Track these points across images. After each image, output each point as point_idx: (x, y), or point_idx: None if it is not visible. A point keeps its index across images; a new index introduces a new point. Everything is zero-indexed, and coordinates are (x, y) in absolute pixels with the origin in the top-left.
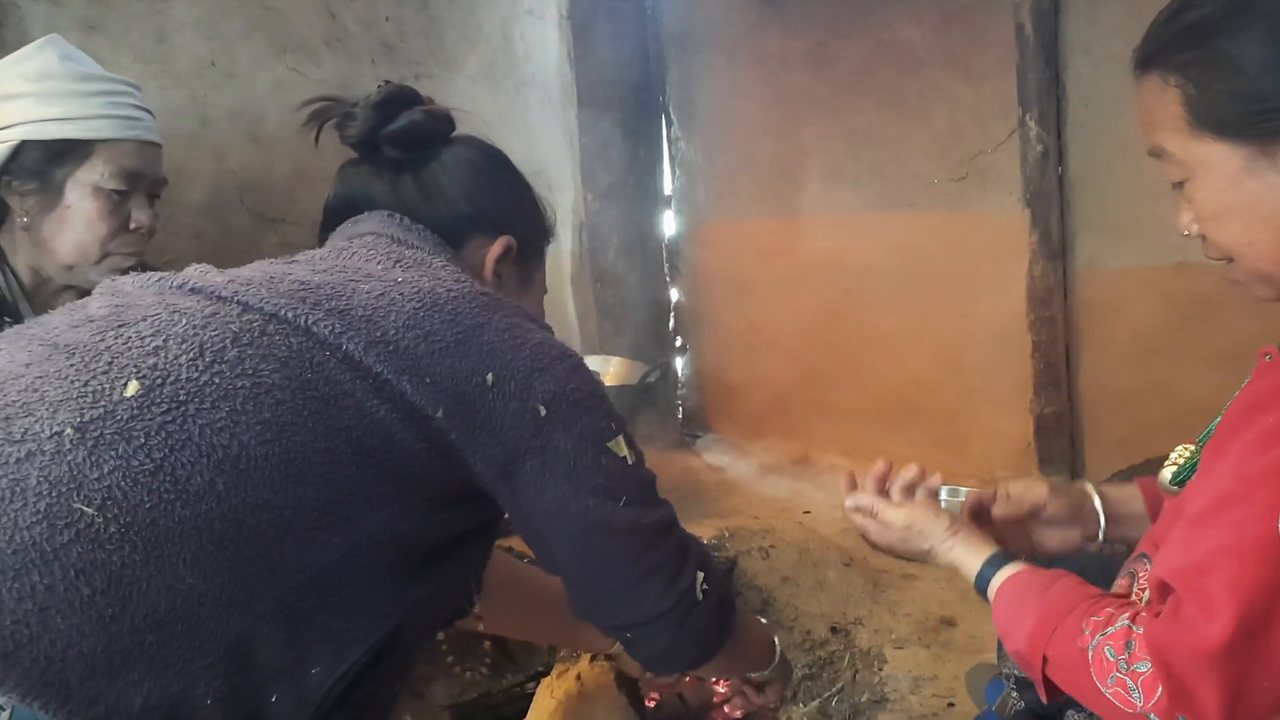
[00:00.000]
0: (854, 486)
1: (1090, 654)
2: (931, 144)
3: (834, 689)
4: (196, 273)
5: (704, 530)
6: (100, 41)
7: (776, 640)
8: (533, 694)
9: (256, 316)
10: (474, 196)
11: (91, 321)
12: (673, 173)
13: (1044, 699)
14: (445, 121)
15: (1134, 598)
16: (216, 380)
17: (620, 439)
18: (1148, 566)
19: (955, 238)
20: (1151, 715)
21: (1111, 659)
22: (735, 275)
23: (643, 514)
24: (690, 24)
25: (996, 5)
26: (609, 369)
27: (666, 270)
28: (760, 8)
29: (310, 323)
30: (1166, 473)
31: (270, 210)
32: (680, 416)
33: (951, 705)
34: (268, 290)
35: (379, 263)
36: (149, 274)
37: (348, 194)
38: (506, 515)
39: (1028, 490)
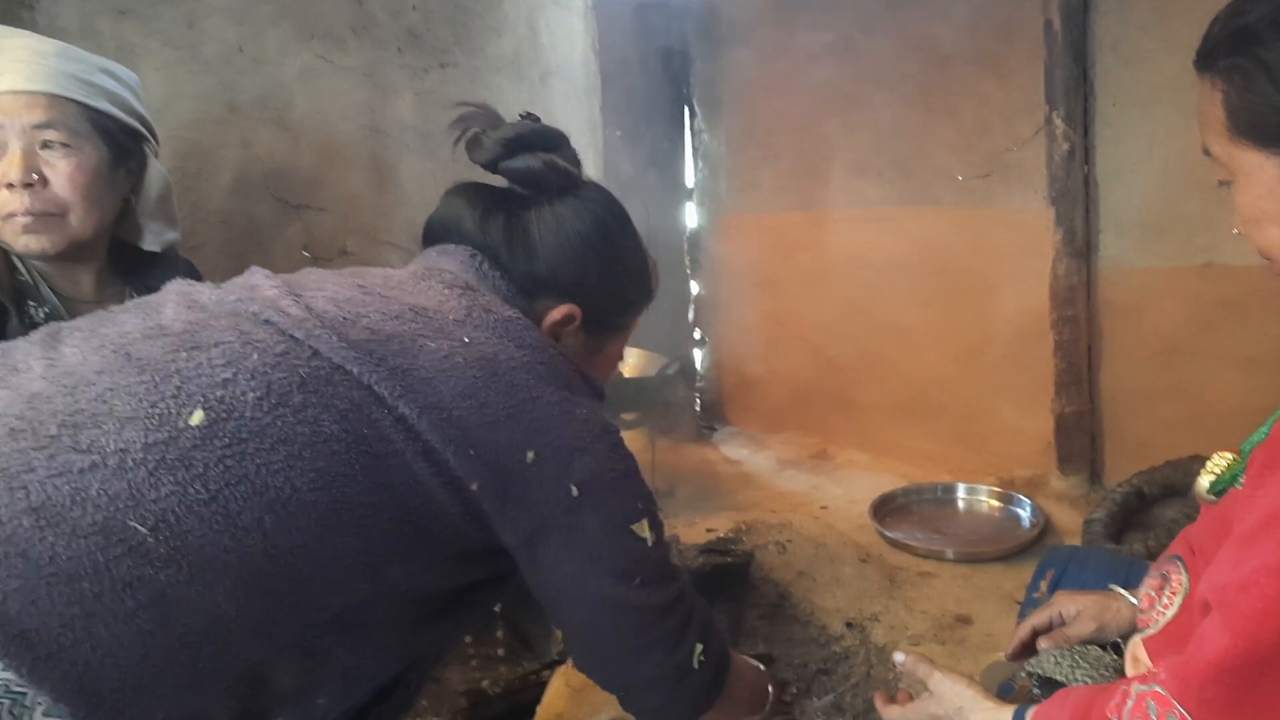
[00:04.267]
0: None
1: None
2: (957, 140)
3: (848, 684)
4: (273, 294)
5: (720, 523)
6: (130, 26)
7: (770, 688)
8: (547, 681)
9: (324, 365)
10: (554, 260)
11: (165, 335)
12: (696, 165)
13: None
14: (564, 175)
15: (1166, 600)
16: (279, 424)
17: (645, 521)
18: (1180, 567)
19: (979, 234)
20: None
21: None
22: (756, 268)
23: (654, 593)
24: (716, 16)
25: (1025, 2)
26: (628, 360)
27: (688, 262)
28: (787, 1)
29: (373, 381)
30: (1204, 481)
31: (295, 197)
32: (699, 409)
33: None
34: (339, 337)
35: (452, 312)
36: (229, 289)
37: (444, 216)
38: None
39: (1075, 626)
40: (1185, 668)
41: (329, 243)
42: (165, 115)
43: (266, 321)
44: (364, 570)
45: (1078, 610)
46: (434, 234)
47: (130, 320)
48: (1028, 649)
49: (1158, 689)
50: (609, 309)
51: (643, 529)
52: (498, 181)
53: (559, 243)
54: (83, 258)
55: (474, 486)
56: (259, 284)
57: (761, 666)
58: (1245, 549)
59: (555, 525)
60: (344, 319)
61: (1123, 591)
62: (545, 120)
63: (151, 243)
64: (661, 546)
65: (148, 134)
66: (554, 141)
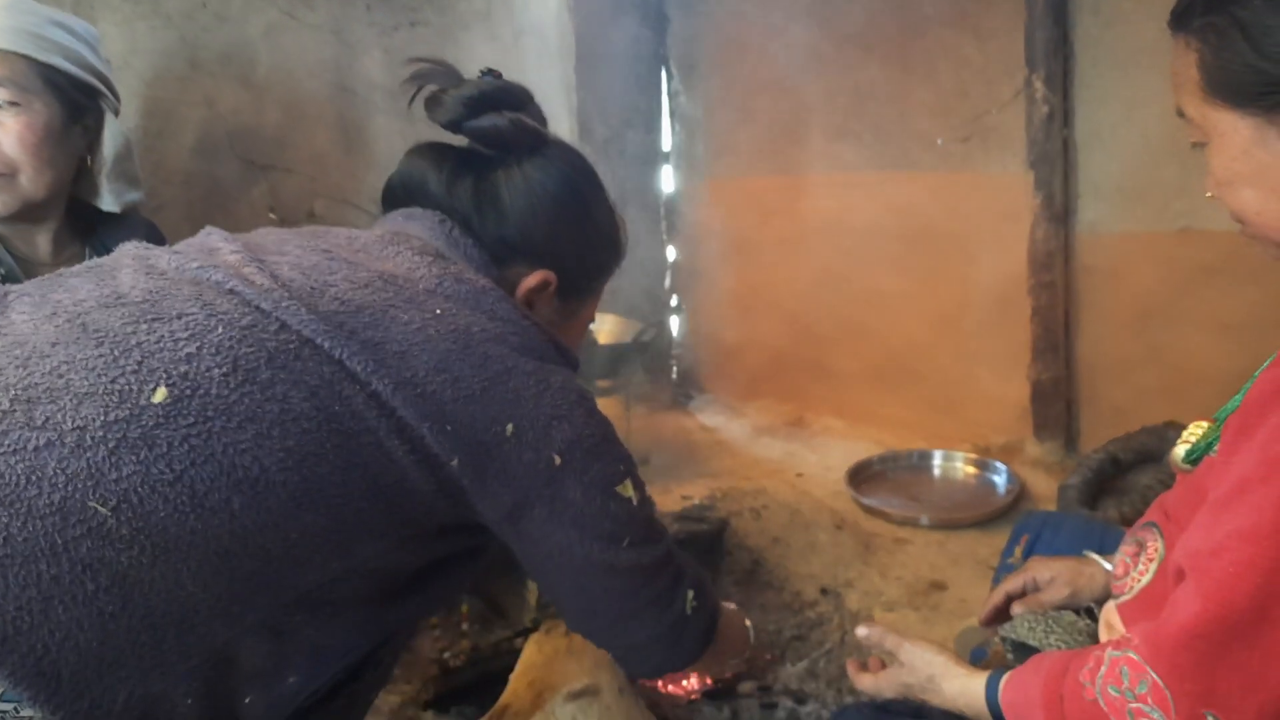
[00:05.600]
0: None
1: (1101, 700)
2: (936, 103)
3: (822, 650)
4: (235, 259)
5: (696, 490)
6: None
7: (749, 624)
8: (520, 650)
9: (293, 339)
10: (525, 223)
11: (123, 304)
12: (672, 128)
13: None
14: (531, 134)
15: (1142, 566)
16: (246, 401)
17: (628, 481)
18: (1156, 534)
19: (957, 199)
20: None
21: (1117, 695)
22: (734, 234)
23: (644, 552)
24: None
25: None
26: (603, 327)
27: (664, 228)
28: None
29: (344, 356)
30: (1180, 450)
31: (260, 157)
32: (675, 376)
33: None
34: (307, 309)
35: (423, 281)
36: (187, 253)
37: (407, 177)
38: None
39: (1049, 591)
40: (1157, 633)
41: (296, 205)
42: (125, 72)
43: (231, 291)
44: (334, 549)
45: (1052, 575)
46: (396, 196)
47: (84, 286)
48: (1001, 614)
49: (1131, 654)
50: (582, 272)
51: (626, 489)
52: (459, 142)
53: (529, 205)
54: (38, 218)
55: (453, 463)
56: (218, 247)
57: (734, 607)
58: (1217, 515)
59: (538, 497)
60: (312, 289)
61: (1097, 557)
62: (518, 81)
63: (110, 203)
64: (646, 505)
65: (105, 90)
66: (519, 99)
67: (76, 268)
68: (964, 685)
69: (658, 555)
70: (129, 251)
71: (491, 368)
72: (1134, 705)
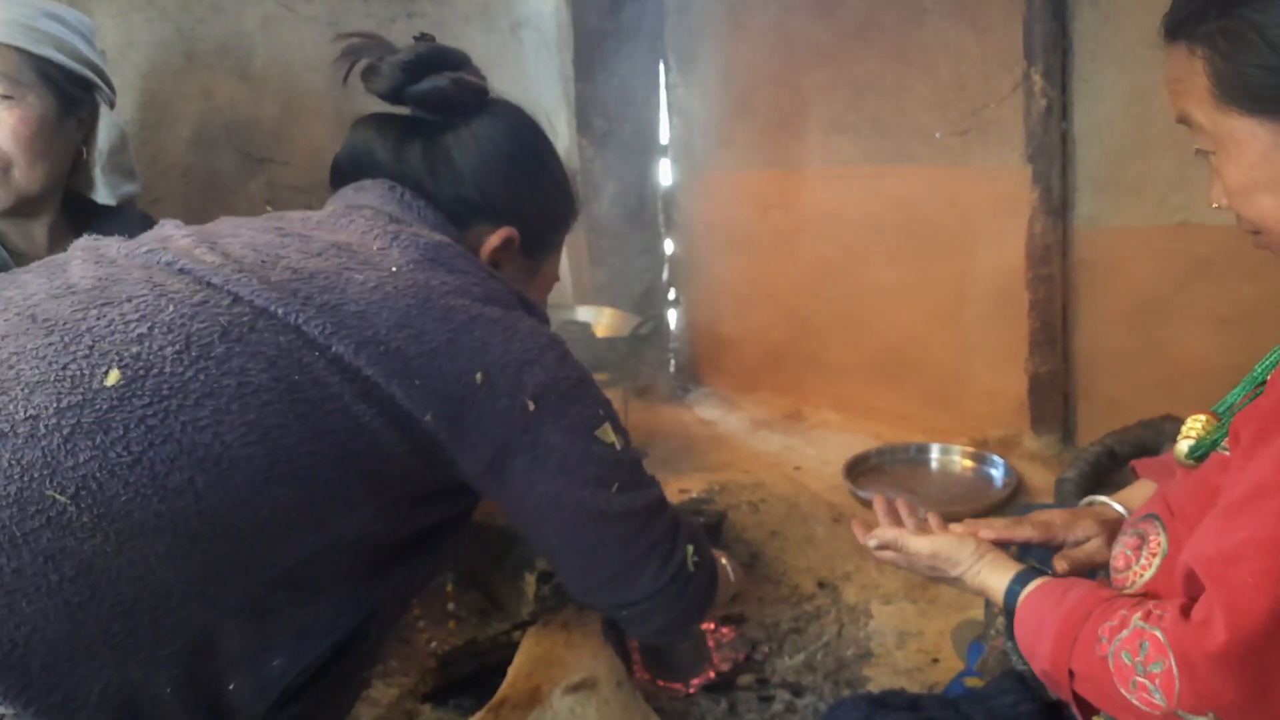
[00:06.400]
0: (889, 512)
1: (1110, 661)
2: (934, 96)
3: (819, 643)
4: (186, 243)
5: (694, 483)
6: None
7: (729, 568)
8: (519, 642)
9: (246, 310)
10: (482, 181)
11: (73, 293)
12: (670, 120)
13: (1080, 718)
14: (474, 93)
15: (1144, 561)
16: (202, 377)
17: (608, 425)
18: (1158, 528)
19: (955, 193)
20: (1180, 711)
21: (1129, 663)
22: (732, 227)
23: (635, 497)
24: None
25: None
26: (601, 320)
27: (662, 220)
28: None
29: (301, 321)
30: (1183, 445)
31: (257, 149)
32: (672, 369)
33: (936, 661)
34: (259, 280)
35: (377, 241)
36: (138, 241)
37: (353, 152)
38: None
39: (1066, 529)
40: (1187, 640)
41: (293, 197)
42: (121, 64)
43: (181, 270)
44: (309, 524)
45: (1047, 519)
46: (344, 173)
47: (35, 281)
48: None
49: (1158, 634)
50: (544, 225)
51: (607, 434)
52: (400, 112)
53: (483, 163)
54: (33, 212)
55: (427, 418)
56: (171, 234)
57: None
58: (1231, 520)
59: (518, 445)
60: (263, 262)
61: (1107, 500)
62: (517, 73)
63: (105, 196)
64: (630, 450)
65: (99, 82)
66: (457, 59)
67: (31, 265)
68: (985, 581)
69: (650, 500)
70: (79, 245)
71: (455, 318)
72: (1140, 679)
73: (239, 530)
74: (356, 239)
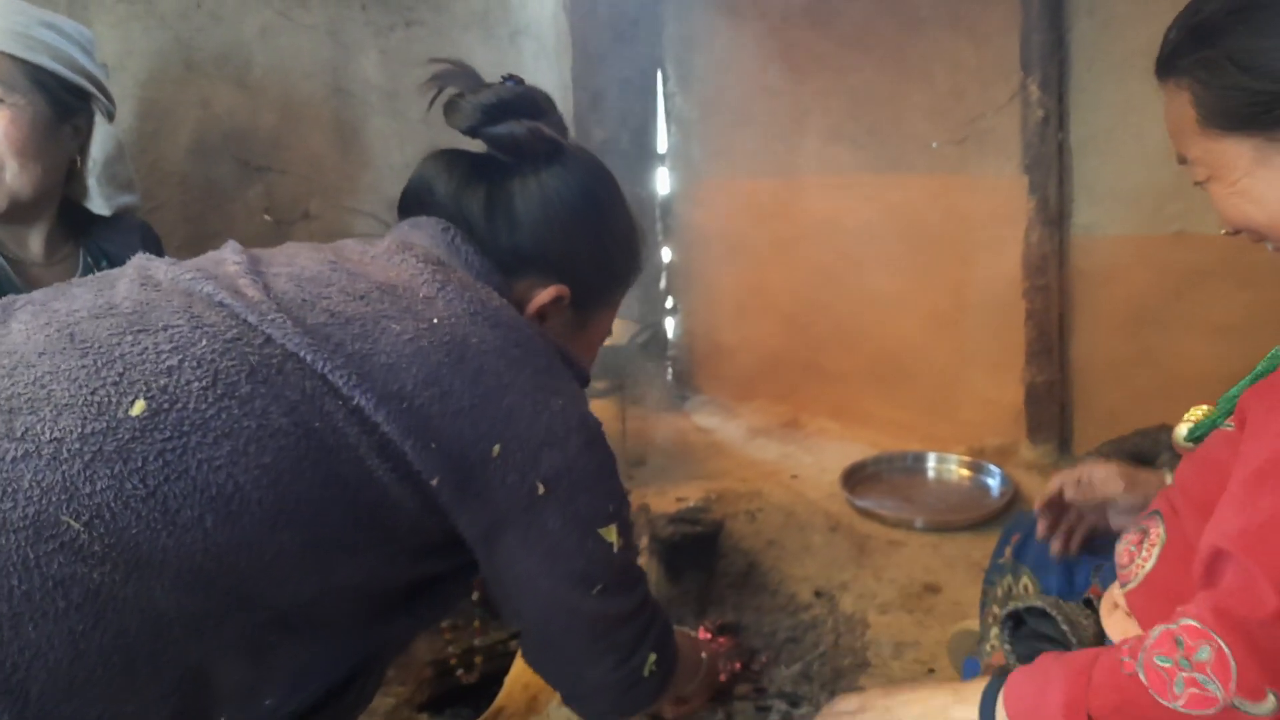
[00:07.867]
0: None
1: (1144, 674)
2: (932, 105)
3: (816, 652)
4: (233, 270)
5: (691, 492)
6: None
7: (704, 655)
8: (515, 651)
9: (276, 352)
10: (540, 233)
11: (113, 314)
12: (668, 129)
13: None
14: (549, 144)
15: (1146, 553)
16: (224, 415)
17: (614, 526)
18: (1158, 521)
19: (952, 202)
20: (1238, 699)
21: (1168, 665)
22: (729, 235)
23: (612, 602)
24: None
25: None
26: None
27: (660, 229)
28: None
29: (328, 370)
30: (1182, 429)
31: (256, 158)
32: (670, 377)
33: (933, 671)
34: (294, 322)
35: (424, 288)
36: (189, 264)
37: (417, 185)
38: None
39: (1104, 483)
40: (1232, 610)
41: (291, 205)
42: (120, 73)
43: (220, 304)
44: (313, 567)
45: (1105, 473)
46: (407, 205)
47: (83, 295)
48: (1056, 504)
49: (1190, 622)
50: (598, 285)
51: (610, 534)
52: (476, 147)
53: (544, 215)
54: (28, 219)
55: (433, 482)
56: (225, 258)
57: (692, 634)
58: (1254, 491)
59: (514, 521)
60: (303, 301)
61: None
62: None
63: (100, 205)
64: (628, 552)
65: (96, 92)
66: (539, 106)
67: (87, 278)
68: (950, 703)
69: (628, 607)
70: (134, 263)
71: (485, 383)
72: (1186, 674)
73: (242, 570)
74: (404, 281)
